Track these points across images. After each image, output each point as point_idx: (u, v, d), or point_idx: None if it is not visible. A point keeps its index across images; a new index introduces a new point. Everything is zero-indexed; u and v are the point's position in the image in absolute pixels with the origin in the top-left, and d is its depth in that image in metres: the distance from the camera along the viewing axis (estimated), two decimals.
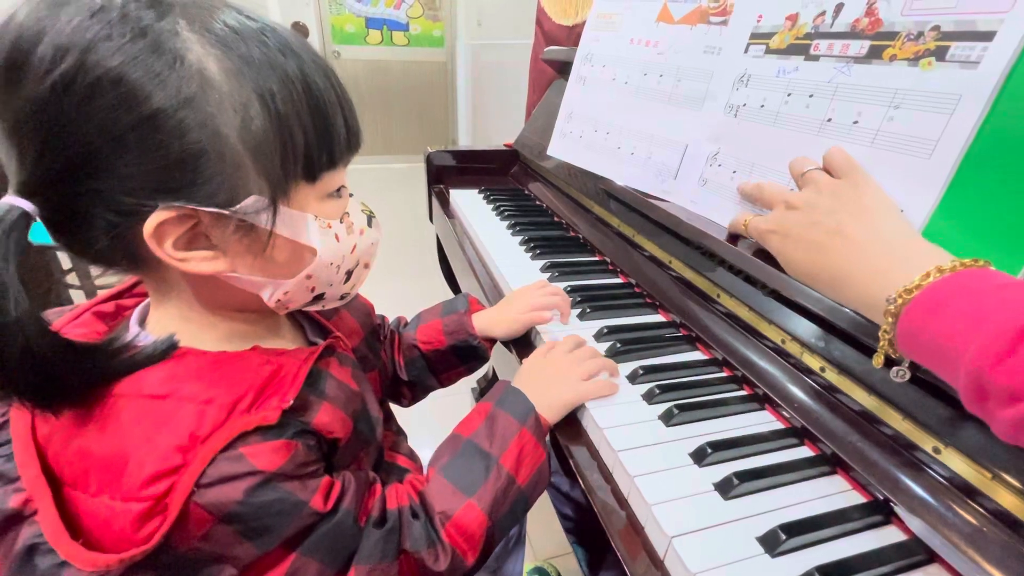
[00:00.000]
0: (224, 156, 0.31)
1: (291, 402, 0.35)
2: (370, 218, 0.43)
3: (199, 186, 0.31)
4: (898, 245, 0.38)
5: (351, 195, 0.41)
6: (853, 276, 0.39)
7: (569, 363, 0.52)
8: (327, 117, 0.35)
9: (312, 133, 0.34)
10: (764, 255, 0.50)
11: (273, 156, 0.32)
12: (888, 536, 0.38)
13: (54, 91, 0.28)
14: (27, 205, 0.29)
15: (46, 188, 0.30)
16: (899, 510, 0.38)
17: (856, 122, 0.47)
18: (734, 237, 0.56)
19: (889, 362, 0.38)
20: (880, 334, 0.36)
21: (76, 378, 0.31)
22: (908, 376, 0.38)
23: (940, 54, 0.41)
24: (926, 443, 0.39)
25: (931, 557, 0.36)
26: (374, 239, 0.43)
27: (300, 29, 3.01)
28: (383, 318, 0.65)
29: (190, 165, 0.30)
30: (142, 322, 0.39)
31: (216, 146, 0.30)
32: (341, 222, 0.39)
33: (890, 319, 0.35)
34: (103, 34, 0.28)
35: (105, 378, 0.32)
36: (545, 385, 0.50)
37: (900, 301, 0.34)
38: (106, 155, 0.29)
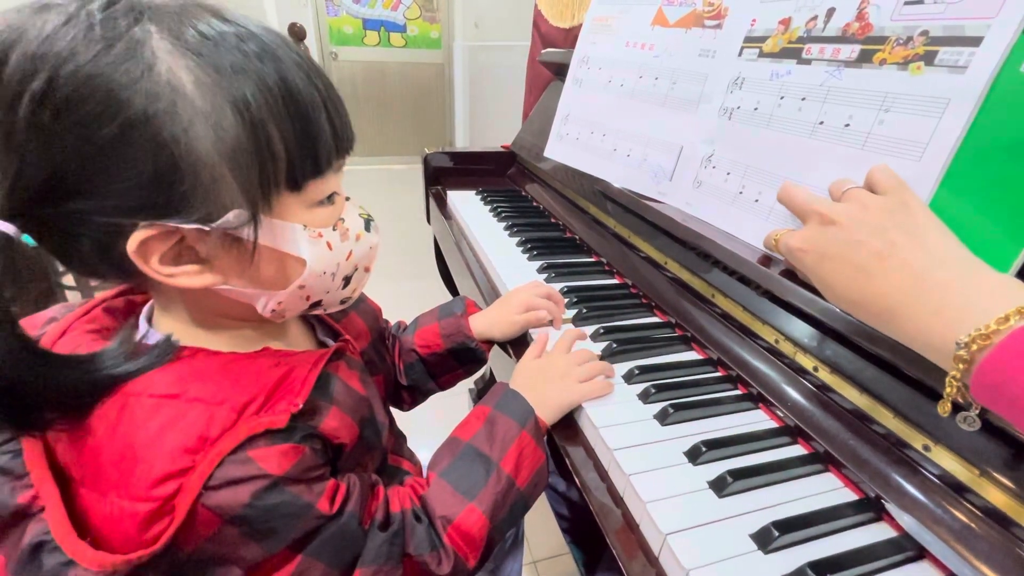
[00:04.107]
0: (199, 170, 0.30)
1: (300, 406, 0.35)
2: (368, 222, 0.42)
3: (177, 202, 0.30)
4: (964, 274, 0.33)
5: (347, 199, 0.40)
6: (910, 310, 0.34)
7: (566, 365, 0.52)
8: (309, 122, 0.33)
9: (293, 141, 0.33)
10: (789, 273, 0.48)
11: (251, 168, 0.31)
12: (879, 532, 0.39)
13: (28, 108, 0.27)
14: (8, 228, 0.29)
15: (26, 209, 0.29)
16: (890, 507, 0.39)
17: (847, 125, 0.48)
18: (768, 256, 0.52)
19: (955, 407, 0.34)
20: (948, 380, 0.32)
21: (59, 396, 0.31)
22: (979, 425, 0.33)
23: (929, 59, 0.42)
24: (916, 441, 0.39)
25: (921, 553, 0.37)
26: (372, 243, 0.42)
27: (297, 31, 3.02)
28: (387, 322, 0.65)
29: (166, 181, 0.29)
30: (151, 318, 0.39)
31: (191, 160, 0.29)
32: (334, 229, 0.38)
33: (962, 365, 0.30)
34: (75, 44, 0.27)
35: (100, 389, 0.32)
36: (543, 387, 0.50)
37: (976, 347, 0.30)
38: (82, 174, 0.28)
